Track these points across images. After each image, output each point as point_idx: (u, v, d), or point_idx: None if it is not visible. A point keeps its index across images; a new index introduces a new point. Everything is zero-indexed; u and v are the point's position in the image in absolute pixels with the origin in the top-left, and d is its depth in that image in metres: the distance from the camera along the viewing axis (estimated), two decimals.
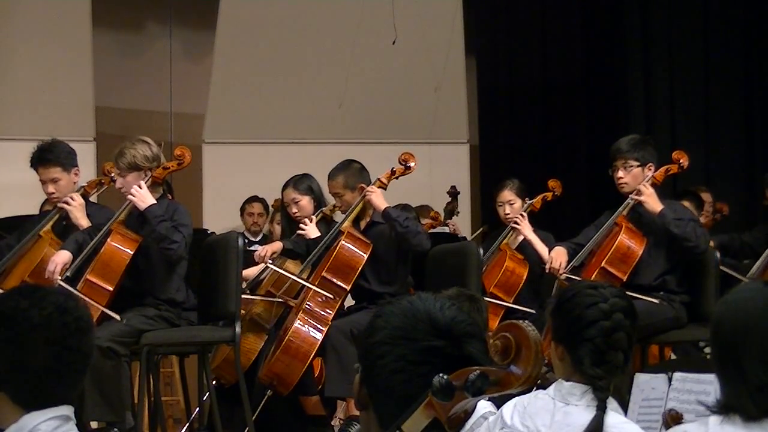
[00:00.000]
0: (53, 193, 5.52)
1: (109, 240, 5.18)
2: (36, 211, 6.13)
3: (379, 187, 5.78)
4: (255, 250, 6.02)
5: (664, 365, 5.26)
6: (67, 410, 2.10)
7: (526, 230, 6.30)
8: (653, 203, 5.57)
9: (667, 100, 9.11)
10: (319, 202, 6.17)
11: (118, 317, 5.03)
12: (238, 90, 8.80)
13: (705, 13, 9.10)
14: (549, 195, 6.60)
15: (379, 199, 5.70)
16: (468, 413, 1.84)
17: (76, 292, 4.94)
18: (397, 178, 5.86)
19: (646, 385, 3.24)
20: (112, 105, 9.23)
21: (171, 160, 5.38)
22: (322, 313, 5.54)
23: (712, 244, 5.80)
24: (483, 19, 9.64)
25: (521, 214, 6.35)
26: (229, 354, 5.68)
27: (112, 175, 5.58)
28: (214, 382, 5.61)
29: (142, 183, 5.20)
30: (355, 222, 5.81)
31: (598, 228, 5.74)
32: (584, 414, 2.75)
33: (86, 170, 6.02)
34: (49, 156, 5.51)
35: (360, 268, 5.60)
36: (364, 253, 5.61)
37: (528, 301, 6.22)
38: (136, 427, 5.18)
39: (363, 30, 8.68)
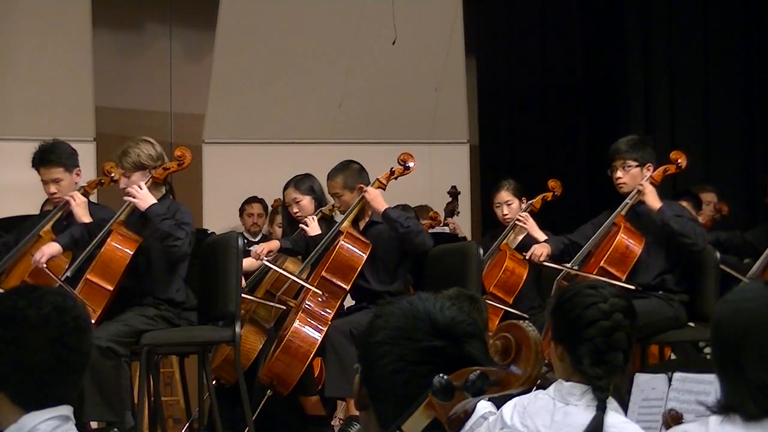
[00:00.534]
0: (55, 193, 5.52)
1: (109, 240, 5.19)
2: (36, 211, 6.13)
3: (378, 187, 5.78)
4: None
5: (664, 365, 5.26)
6: (67, 410, 2.09)
7: (534, 229, 6.27)
8: (652, 200, 5.58)
9: (666, 100, 9.10)
10: (320, 202, 6.18)
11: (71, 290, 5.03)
12: (238, 90, 8.80)
13: (705, 13, 9.10)
14: (549, 195, 6.60)
15: (378, 201, 5.69)
16: (468, 413, 1.84)
17: (74, 292, 4.94)
18: (396, 178, 5.85)
19: (646, 385, 3.23)
20: (112, 105, 9.23)
21: (171, 161, 5.38)
22: (322, 313, 5.54)
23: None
24: (483, 19, 9.64)
25: (524, 214, 6.34)
26: (229, 354, 5.68)
27: (113, 175, 5.58)
28: (214, 382, 5.60)
29: (142, 183, 5.20)
30: (354, 222, 5.81)
31: (596, 226, 5.76)
32: (584, 414, 2.75)
33: (86, 170, 6.01)
34: (51, 157, 5.51)
35: (359, 268, 5.60)
36: (364, 253, 5.61)
37: (529, 301, 6.22)
38: (136, 427, 5.17)
39: (363, 30, 8.68)
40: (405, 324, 1.83)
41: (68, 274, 5.19)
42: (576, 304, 2.83)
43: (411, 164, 5.86)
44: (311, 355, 5.47)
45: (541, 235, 6.23)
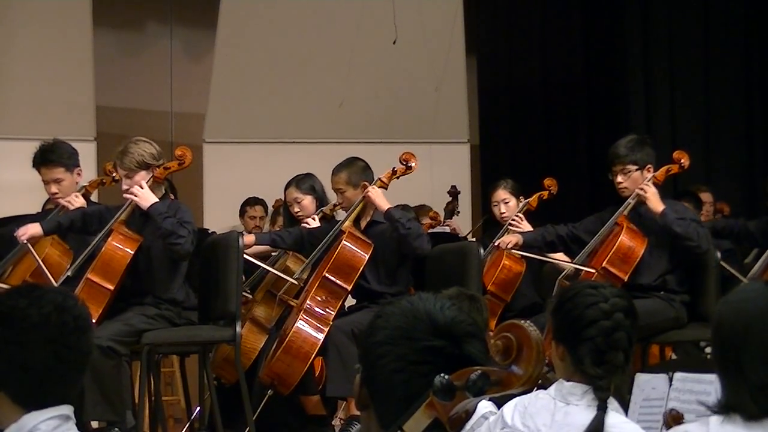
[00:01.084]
0: (56, 193, 5.52)
1: (110, 240, 5.18)
2: (38, 210, 6.12)
3: (380, 186, 5.77)
4: None
5: (664, 365, 5.26)
6: (67, 410, 2.09)
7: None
8: (655, 203, 5.57)
9: (667, 99, 9.11)
10: (321, 201, 6.17)
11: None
12: (238, 89, 8.79)
13: (705, 13, 9.10)
14: (545, 193, 6.59)
15: (381, 199, 5.69)
16: (469, 413, 1.84)
17: (74, 292, 4.94)
18: (398, 177, 5.85)
19: (647, 384, 3.23)
20: (113, 104, 9.23)
21: (172, 160, 5.37)
22: (323, 312, 5.53)
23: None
24: (483, 19, 9.64)
25: (519, 216, 6.35)
26: (229, 353, 5.68)
27: (114, 175, 5.58)
28: (214, 382, 5.60)
29: (143, 183, 5.20)
30: (356, 221, 5.80)
31: (600, 220, 5.75)
32: (585, 414, 2.75)
33: (87, 170, 6.01)
34: (52, 156, 5.51)
35: (361, 269, 5.59)
36: (366, 253, 5.60)
37: (527, 299, 6.22)
38: (136, 426, 5.17)
39: (363, 30, 8.68)
40: (405, 324, 1.83)
41: (69, 273, 5.19)
42: (577, 303, 2.82)
43: (413, 164, 5.86)
44: (313, 356, 5.46)
45: None
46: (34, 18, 8.34)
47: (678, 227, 5.48)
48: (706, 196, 7.63)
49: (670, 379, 3.17)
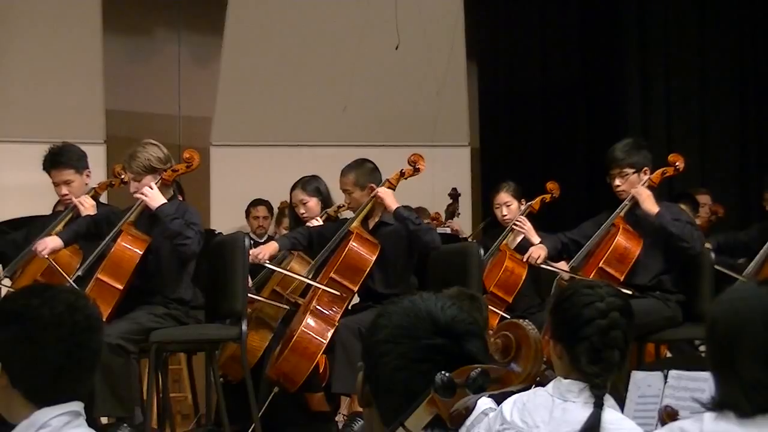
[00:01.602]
0: (66, 194, 5.54)
1: (119, 240, 5.20)
2: (47, 212, 6.13)
3: (389, 187, 5.77)
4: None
5: (660, 363, 5.26)
6: (77, 406, 2.10)
7: (531, 233, 6.26)
8: (650, 205, 5.58)
9: (663, 103, 9.10)
10: (326, 203, 6.17)
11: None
12: (245, 93, 8.80)
13: (701, 19, 9.10)
14: (548, 197, 6.60)
15: (390, 199, 5.69)
16: (469, 410, 1.84)
17: (85, 291, 4.95)
18: (406, 179, 5.85)
19: (643, 382, 3.23)
20: (122, 108, 9.24)
21: (180, 163, 5.39)
22: (330, 312, 5.52)
23: (708, 245, 5.80)
24: (484, 25, 9.64)
25: (521, 218, 6.33)
26: (235, 351, 5.69)
27: (123, 177, 5.59)
28: (221, 379, 5.61)
29: (152, 184, 5.22)
30: (363, 222, 5.79)
31: (596, 224, 5.76)
32: (582, 410, 2.75)
33: (97, 172, 6.02)
34: (62, 159, 5.53)
35: (368, 270, 5.58)
36: (372, 255, 5.58)
37: (529, 300, 6.22)
38: (145, 422, 5.18)
39: (367, 36, 8.68)
40: (407, 323, 1.84)
41: (79, 273, 5.20)
42: (574, 303, 2.83)
43: (420, 166, 5.86)
44: (319, 355, 5.46)
45: (537, 239, 6.24)
46: (45, 24, 8.36)
47: (673, 227, 5.50)
48: (704, 198, 7.63)
49: (666, 377, 3.17)
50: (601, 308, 2.79)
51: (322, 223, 5.99)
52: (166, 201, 5.23)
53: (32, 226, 5.64)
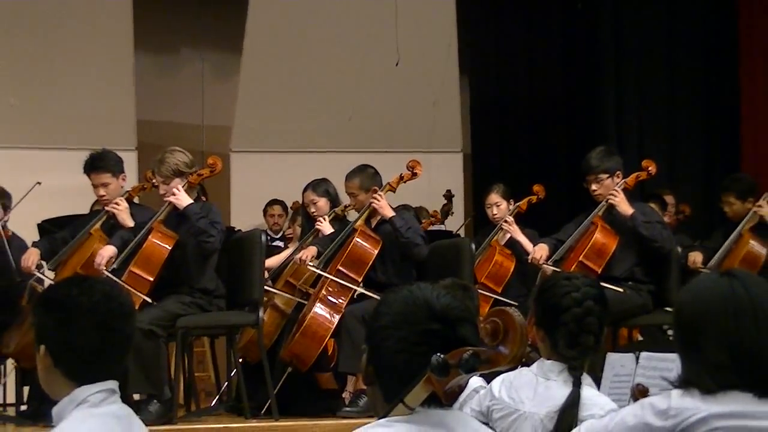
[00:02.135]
0: (104, 195, 5.55)
1: (150, 237, 5.22)
2: (86, 211, 6.14)
3: (389, 190, 5.79)
4: (276, 246, 5.98)
5: (632, 346, 5.28)
6: (113, 384, 2.11)
7: (516, 233, 6.31)
8: (624, 207, 5.59)
9: (636, 113, 9.12)
10: (334, 203, 6.18)
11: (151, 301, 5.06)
12: (261, 105, 8.81)
13: (669, 40, 9.15)
14: (534, 198, 6.61)
15: (386, 209, 5.69)
16: (462, 387, 1.85)
17: (120, 282, 4.96)
18: (405, 182, 5.86)
19: (617, 363, 3.24)
20: (152, 118, 9.24)
21: (204, 168, 5.41)
22: (337, 301, 5.54)
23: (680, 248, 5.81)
24: (475, 43, 9.63)
25: (509, 219, 6.36)
26: (253, 336, 5.69)
27: (153, 181, 5.60)
28: (240, 361, 5.61)
29: (180, 186, 5.24)
30: (367, 220, 5.80)
31: (577, 225, 5.76)
32: (563, 388, 2.76)
33: (129, 176, 6.02)
34: (101, 164, 5.54)
35: (371, 263, 5.59)
36: (375, 249, 5.60)
37: (516, 290, 6.23)
38: (173, 398, 5.19)
39: (370, 53, 8.69)
40: (405, 310, 1.84)
41: (114, 266, 5.21)
42: (553, 293, 2.83)
43: (417, 171, 5.88)
44: (327, 338, 5.47)
45: (522, 238, 6.27)
46: (84, 43, 8.37)
47: (644, 230, 5.50)
48: (669, 198, 7.64)
49: (637, 358, 3.17)
50: (577, 298, 2.80)
51: (327, 222, 5.97)
52: (192, 201, 5.25)
53: (75, 225, 5.65)
